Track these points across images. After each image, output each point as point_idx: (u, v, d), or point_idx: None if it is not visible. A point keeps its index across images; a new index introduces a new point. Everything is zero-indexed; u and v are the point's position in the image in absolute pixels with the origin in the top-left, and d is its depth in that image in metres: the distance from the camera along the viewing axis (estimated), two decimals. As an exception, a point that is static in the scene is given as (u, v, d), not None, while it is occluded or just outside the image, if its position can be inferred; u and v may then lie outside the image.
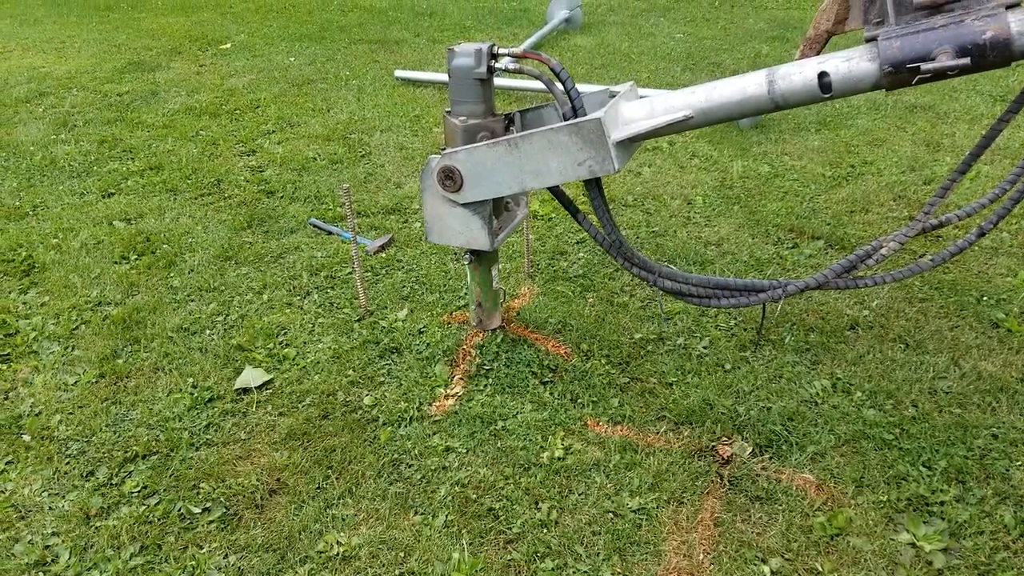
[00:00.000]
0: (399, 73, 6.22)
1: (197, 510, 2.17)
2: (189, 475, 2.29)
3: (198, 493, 2.23)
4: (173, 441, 2.42)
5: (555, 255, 3.44)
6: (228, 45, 7.71)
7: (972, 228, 2.25)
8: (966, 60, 1.74)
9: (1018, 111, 2.13)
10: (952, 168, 2.30)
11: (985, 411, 2.39)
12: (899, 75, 1.81)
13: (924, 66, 1.77)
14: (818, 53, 2.05)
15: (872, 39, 1.86)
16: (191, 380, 2.70)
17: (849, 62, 1.88)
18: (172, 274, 3.40)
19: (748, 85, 2.01)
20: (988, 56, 1.74)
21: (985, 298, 2.94)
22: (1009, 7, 1.75)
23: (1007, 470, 2.17)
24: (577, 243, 3.52)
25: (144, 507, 2.19)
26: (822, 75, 1.90)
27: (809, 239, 3.46)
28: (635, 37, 7.45)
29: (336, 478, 2.26)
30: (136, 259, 3.53)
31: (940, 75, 1.79)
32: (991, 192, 2.23)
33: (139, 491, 2.25)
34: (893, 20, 1.85)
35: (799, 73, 1.93)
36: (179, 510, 2.18)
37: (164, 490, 2.25)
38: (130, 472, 2.32)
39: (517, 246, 3.48)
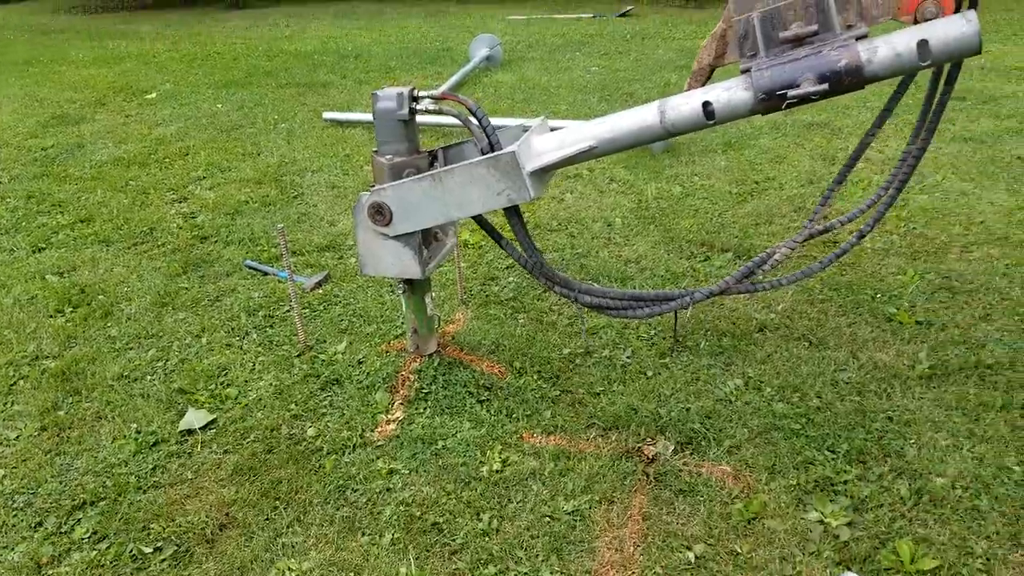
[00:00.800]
0: (327, 115, 6.34)
1: (148, 550, 2.21)
2: (139, 517, 2.32)
3: (148, 534, 2.26)
4: (120, 486, 2.44)
5: (486, 281, 3.60)
6: (154, 95, 7.69)
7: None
8: (825, 86, 1.99)
9: (882, 125, 2.43)
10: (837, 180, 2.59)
11: (881, 397, 2.64)
12: (771, 101, 2.04)
13: (791, 92, 2.01)
14: (703, 84, 2.29)
15: (747, 70, 2.09)
16: (135, 426, 2.72)
17: (728, 91, 2.11)
18: (109, 324, 3.40)
19: (644, 116, 2.22)
20: (844, 81, 1.99)
21: (879, 295, 3.23)
22: (859, 38, 2.01)
23: (902, 448, 2.40)
24: (506, 268, 3.69)
25: (95, 552, 2.21)
26: (706, 104, 2.12)
27: (719, 252, 3.72)
28: (553, 71, 7.79)
29: (284, 508, 2.32)
30: (72, 311, 3.53)
31: (805, 100, 2.03)
32: (868, 199, 2.51)
33: (89, 537, 2.27)
34: (764, 53, 2.09)
35: (686, 103, 2.16)
36: (131, 552, 2.21)
37: (114, 534, 2.27)
38: (79, 519, 2.34)
39: (450, 274, 3.63)
